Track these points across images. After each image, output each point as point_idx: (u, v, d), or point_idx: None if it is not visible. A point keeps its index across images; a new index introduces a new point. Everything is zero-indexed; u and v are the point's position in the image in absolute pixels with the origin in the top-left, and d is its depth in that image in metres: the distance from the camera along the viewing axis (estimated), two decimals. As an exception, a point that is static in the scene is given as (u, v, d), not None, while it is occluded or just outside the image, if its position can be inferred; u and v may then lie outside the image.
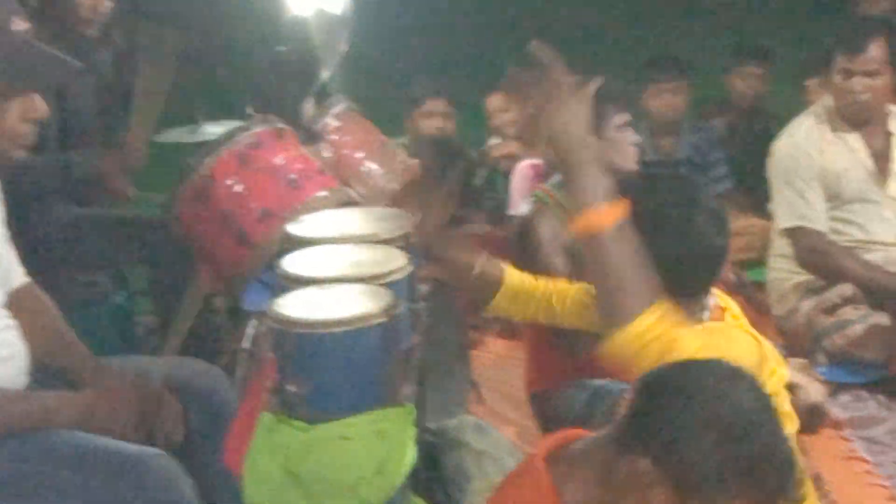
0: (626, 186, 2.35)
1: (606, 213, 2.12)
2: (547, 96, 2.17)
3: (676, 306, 2.29)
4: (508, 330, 4.57)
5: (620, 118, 3.40)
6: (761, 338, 2.35)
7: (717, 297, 2.44)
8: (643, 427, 1.81)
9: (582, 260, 2.20)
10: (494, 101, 5.49)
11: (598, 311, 2.23)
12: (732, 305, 2.45)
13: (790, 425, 2.40)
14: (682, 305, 2.31)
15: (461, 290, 2.99)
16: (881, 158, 4.21)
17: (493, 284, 2.77)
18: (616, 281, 2.12)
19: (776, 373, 2.32)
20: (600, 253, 2.13)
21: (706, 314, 2.37)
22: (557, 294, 2.76)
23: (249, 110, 3.45)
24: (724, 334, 2.27)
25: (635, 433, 1.82)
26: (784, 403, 2.39)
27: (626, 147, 3.42)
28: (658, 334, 2.11)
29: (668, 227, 2.31)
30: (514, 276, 2.79)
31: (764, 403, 1.83)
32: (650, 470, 1.78)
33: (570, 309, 2.74)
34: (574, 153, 2.15)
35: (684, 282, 2.34)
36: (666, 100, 5.36)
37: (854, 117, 4.16)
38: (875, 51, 4.06)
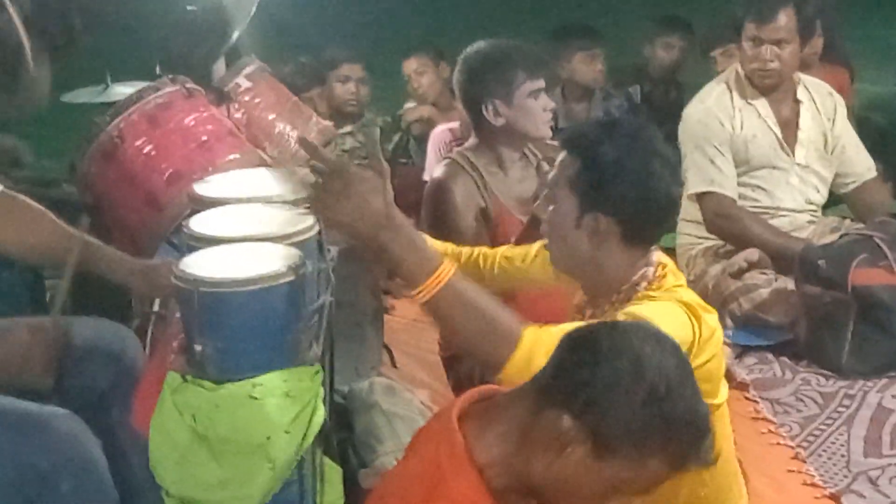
0: (583, 135, 2.36)
1: (437, 278, 2.07)
2: (329, 190, 2.04)
3: (629, 257, 2.34)
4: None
5: (531, 85, 3.41)
6: (697, 302, 2.35)
7: (658, 253, 2.44)
8: (566, 383, 1.82)
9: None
10: (411, 65, 5.50)
11: (476, 361, 2.22)
12: (670, 263, 2.45)
13: (721, 394, 2.43)
14: (632, 256, 2.35)
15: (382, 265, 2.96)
16: (789, 126, 4.29)
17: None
18: (475, 330, 2.11)
19: (707, 347, 2.32)
20: (448, 314, 2.10)
21: (650, 270, 2.37)
22: (483, 258, 2.77)
23: (159, 70, 3.40)
24: (640, 316, 2.21)
25: (557, 389, 1.82)
26: (719, 370, 2.41)
27: (538, 114, 3.42)
28: (545, 344, 2.08)
29: (626, 174, 2.29)
30: (436, 245, 2.79)
31: (685, 367, 1.85)
32: (570, 426, 1.79)
33: (498, 273, 2.75)
34: (381, 230, 2.04)
35: (640, 230, 2.35)
36: (581, 67, 5.40)
37: (763, 84, 4.22)
38: (784, 20, 4.12)
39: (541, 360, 2.07)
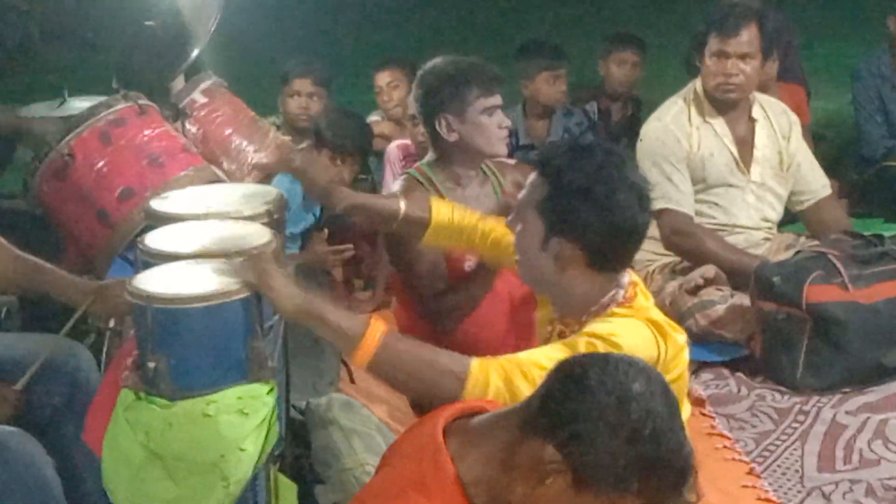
0: (554, 158, 2.35)
1: (373, 333, 2.14)
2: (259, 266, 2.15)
3: (596, 282, 2.34)
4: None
5: (484, 101, 3.41)
6: (665, 322, 2.36)
7: (630, 274, 2.44)
8: (553, 414, 1.80)
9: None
10: (384, 77, 5.46)
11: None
12: (641, 285, 2.45)
13: (685, 410, 2.45)
14: (600, 281, 2.35)
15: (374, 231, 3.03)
16: (745, 144, 4.31)
17: (420, 224, 2.81)
18: (421, 380, 2.18)
19: (675, 366, 2.34)
20: (391, 373, 2.18)
21: (620, 293, 2.36)
22: (482, 234, 2.83)
23: (115, 85, 3.38)
24: (608, 342, 2.25)
25: (544, 418, 1.81)
26: (684, 388, 2.43)
27: (491, 130, 3.43)
28: (498, 373, 2.16)
29: (591, 203, 2.28)
30: (441, 213, 2.85)
31: (673, 407, 1.83)
32: (553, 458, 1.78)
33: (489, 244, 2.82)
34: (310, 311, 2.14)
35: (605, 257, 2.34)
36: (544, 86, 5.42)
37: (724, 99, 4.24)
38: (748, 35, 4.16)
39: (495, 387, 2.13)
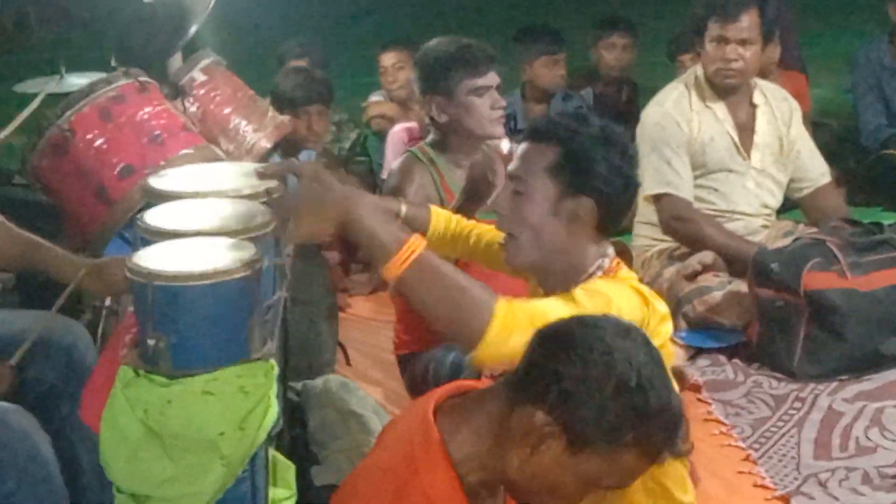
0: (556, 124, 2.40)
1: (410, 248, 2.11)
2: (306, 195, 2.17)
3: (593, 248, 2.38)
4: (377, 293, 4.58)
5: (472, 82, 3.39)
6: (648, 292, 2.39)
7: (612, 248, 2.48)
8: (539, 378, 1.82)
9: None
10: (389, 58, 5.44)
11: (451, 336, 2.25)
12: (621, 262, 2.48)
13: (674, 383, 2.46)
14: (598, 244, 2.40)
15: None
16: (745, 130, 4.31)
17: (419, 227, 2.80)
18: (448, 304, 2.13)
19: (659, 332, 2.35)
20: (420, 288, 2.13)
21: (606, 260, 2.40)
22: (477, 237, 2.80)
23: (114, 63, 3.36)
24: (600, 294, 2.28)
25: (531, 384, 1.82)
26: (667, 362, 2.43)
27: (482, 111, 3.41)
28: (519, 320, 2.13)
29: (609, 157, 2.35)
30: (440, 218, 2.83)
31: (656, 358, 1.86)
32: (545, 421, 1.79)
33: (483, 246, 2.79)
34: (355, 206, 2.13)
35: (616, 213, 2.42)
36: (543, 71, 5.41)
37: (724, 85, 4.24)
38: (748, 20, 4.15)
39: (517, 337, 2.08)
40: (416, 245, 2.11)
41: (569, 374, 1.79)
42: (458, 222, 2.83)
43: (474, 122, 3.41)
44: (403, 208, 2.81)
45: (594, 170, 2.34)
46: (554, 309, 2.19)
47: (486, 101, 3.41)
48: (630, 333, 1.86)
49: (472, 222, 2.85)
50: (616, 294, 2.28)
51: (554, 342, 1.85)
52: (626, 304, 2.27)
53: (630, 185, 2.42)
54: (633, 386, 1.78)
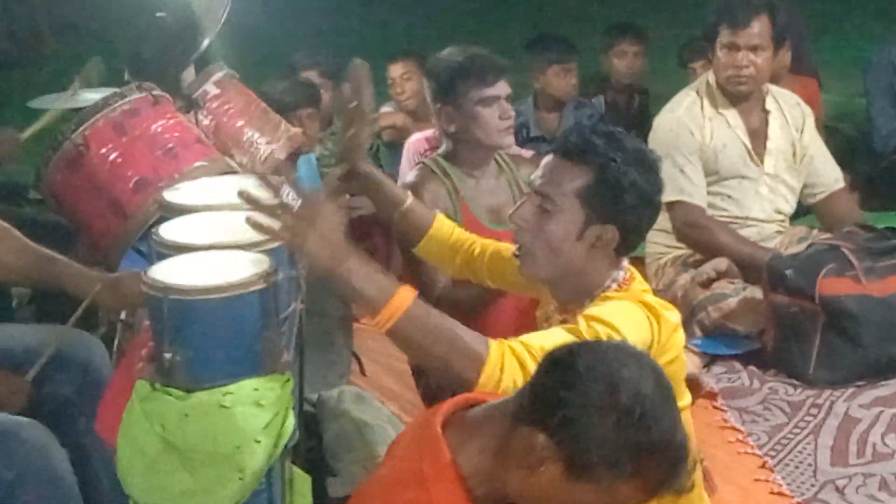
0: (590, 145, 2.36)
1: (397, 302, 2.09)
2: (300, 217, 2.07)
3: (611, 266, 2.38)
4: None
5: (479, 92, 3.39)
6: (658, 303, 2.38)
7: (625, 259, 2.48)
8: (544, 401, 1.80)
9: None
10: (398, 69, 5.45)
11: (449, 382, 2.23)
12: (636, 272, 2.48)
13: (685, 397, 2.45)
14: (616, 264, 2.40)
15: (389, 222, 3.00)
16: (758, 136, 4.30)
17: (421, 226, 2.79)
18: (440, 354, 2.12)
19: (672, 345, 2.35)
20: (412, 341, 2.13)
21: (620, 274, 2.40)
22: (482, 248, 2.78)
23: (127, 77, 3.37)
24: (604, 324, 2.26)
25: (535, 406, 1.81)
26: (681, 371, 2.43)
27: (489, 122, 3.40)
28: (511, 365, 2.13)
29: (638, 187, 2.35)
30: (444, 224, 2.82)
31: (665, 391, 1.83)
32: (545, 445, 1.78)
33: (489, 265, 2.76)
34: (342, 262, 2.07)
35: (637, 238, 2.44)
36: (555, 80, 5.41)
37: (737, 91, 4.23)
38: (759, 26, 4.14)
39: (508, 378, 2.11)
40: (405, 297, 2.10)
41: (573, 401, 1.78)
42: (461, 234, 2.82)
43: (482, 132, 3.41)
44: (409, 200, 2.80)
45: (625, 200, 2.34)
46: (558, 342, 2.13)
47: (493, 112, 3.40)
48: (640, 363, 1.85)
49: (475, 236, 2.84)
50: (622, 320, 2.26)
51: (561, 367, 1.84)
52: (633, 329, 2.25)
53: (656, 211, 2.44)
54: (636, 419, 1.77)
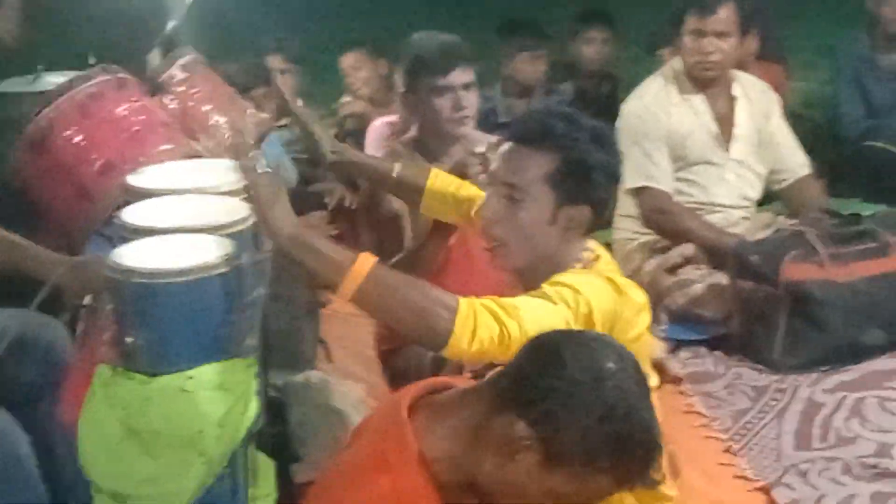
0: (550, 129, 2.37)
1: (362, 262, 2.10)
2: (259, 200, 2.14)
3: (579, 244, 2.40)
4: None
5: (434, 81, 3.38)
6: (623, 281, 2.39)
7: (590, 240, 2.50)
8: (526, 390, 1.81)
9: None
10: (348, 60, 5.53)
11: (416, 341, 2.26)
12: (603, 251, 2.49)
13: (652, 378, 2.46)
14: (584, 243, 2.42)
15: (387, 193, 3.01)
16: (725, 122, 4.32)
17: (416, 187, 2.79)
18: (409, 314, 2.11)
19: (636, 322, 2.36)
20: (378, 306, 2.13)
21: (585, 254, 2.41)
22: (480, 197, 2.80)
23: (92, 60, 3.34)
24: (566, 285, 2.27)
25: (516, 395, 1.82)
26: (646, 350, 2.45)
27: (440, 110, 3.40)
28: (483, 317, 2.12)
29: (604, 165, 2.37)
30: (437, 178, 2.82)
31: (643, 386, 1.86)
32: (525, 433, 1.78)
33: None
34: (300, 236, 2.12)
35: (603, 214, 2.48)
36: (524, 66, 5.43)
37: (703, 77, 4.25)
38: (726, 12, 4.16)
39: (484, 330, 2.09)
40: (369, 258, 2.11)
41: (557, 392, 1.79)
42: (458, 186, 2.83)
43: (436, 121, 3.41)
44: (397, 167, 2.81)
45: (594, 179, 2.36)
46: (522, 302, 2.19)
47: (446, 101, 3.40)
48: (622, 357, 1.86)
49: (474, 188, 2.85)
50: (584, 284, 2.27)
51: (545, 356, 1.84)
52: (595, 294, 2.26)
53: (619, 184, 2.48)
54: (619, 414, 1.78)
